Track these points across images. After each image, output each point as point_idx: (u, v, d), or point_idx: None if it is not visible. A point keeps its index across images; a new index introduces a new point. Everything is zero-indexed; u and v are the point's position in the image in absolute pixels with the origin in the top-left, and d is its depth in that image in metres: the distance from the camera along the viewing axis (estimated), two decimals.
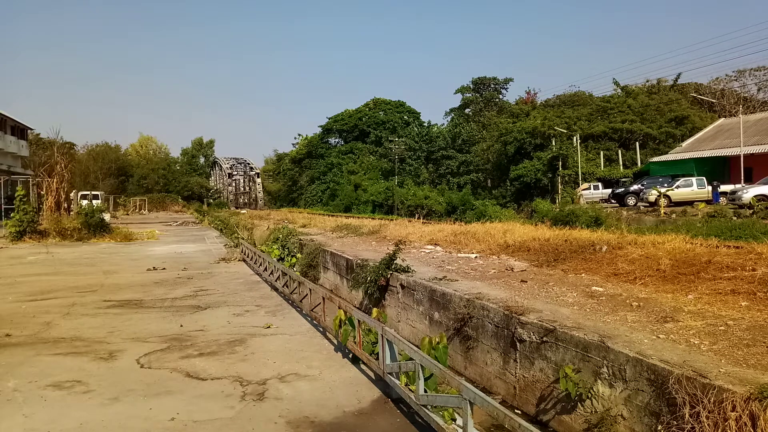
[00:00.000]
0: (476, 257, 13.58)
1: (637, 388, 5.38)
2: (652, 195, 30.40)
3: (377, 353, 6.70)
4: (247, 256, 17.96)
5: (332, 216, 44.14)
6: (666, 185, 31.16)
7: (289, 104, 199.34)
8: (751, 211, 22.13)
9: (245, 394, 6.26)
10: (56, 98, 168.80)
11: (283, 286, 12.26)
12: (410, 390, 5.78)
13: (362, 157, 75.47)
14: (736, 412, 4.25)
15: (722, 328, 6.25)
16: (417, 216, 39.97)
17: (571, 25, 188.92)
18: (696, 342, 5.79)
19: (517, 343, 7.27)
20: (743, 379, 4.63)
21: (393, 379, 6.18)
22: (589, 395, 5.91)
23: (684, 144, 44.50)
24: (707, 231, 14.16)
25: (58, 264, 17.81)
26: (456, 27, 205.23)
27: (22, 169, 50.50)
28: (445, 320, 9.29)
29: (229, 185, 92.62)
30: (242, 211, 61.69)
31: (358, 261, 14.09)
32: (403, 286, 11.16)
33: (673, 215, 25.10)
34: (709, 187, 31.04)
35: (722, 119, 46.82)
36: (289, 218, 38.19)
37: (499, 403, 4.88)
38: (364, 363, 7.24)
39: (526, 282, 9.84)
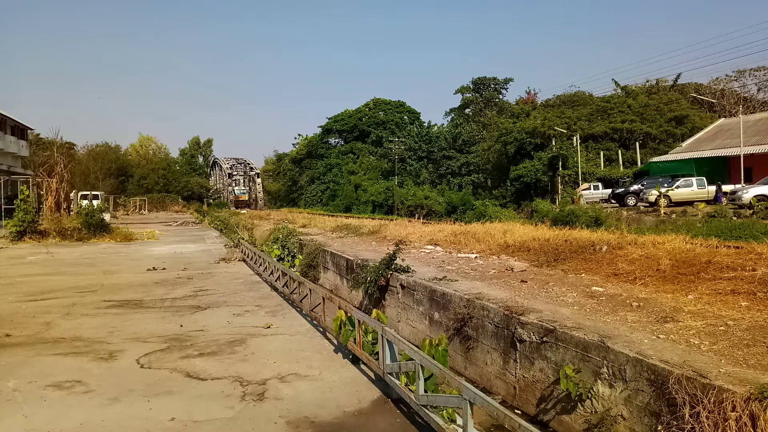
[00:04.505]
0: (476, 257, 13.58)
1: (637, 388, 5.38)
2: (652, 195, 30.36)
3: (377, 353, 6.70)
4: (247, 256, 17.96)
5: (332, 216, 44.13)
6: (666, 185, 31.12)
7: (289, 104, 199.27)
8: (751, 211, 22.12)
9: (245, 394, 6.27)
10: (56, 98, 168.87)
11: (283, 286, 12.26)
12: (410, 390, 5.79)
13: (362, 158, 75.44)
14: (736, 412, 4.25)
15: (722, 328, 6.25)
16: (417, 216, 39.95)
17: (571, 25, 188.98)
18: (696, 342, 5.79)
19: (517, 343, 7.27)
20: (743, 379, 4.63)
21: (393, 379, 6.18)
22: (589, 395, 5.91)
23: (684, 144, 44.49)
24: (707, 231, 14.16)
25: (58, 264, 17.82)
26: (456, 27, 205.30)
27: (22, 169, 50.51)
28: (445, 320, 9.29)
29: (229, 185, 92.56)
30: (242, 211, 61.67)
31: (358, 261, 14.09)
32: (403, 286, 11.16)
33: (673, 215, 25.09)
34: (710, 187, 31.00)
35: (722, 119, 46.80)
36: (289, 218, 38.18)
37: (499, 403, 4.88)
38: (364, 363, 7.25)
39: (526, 282, 9.84)
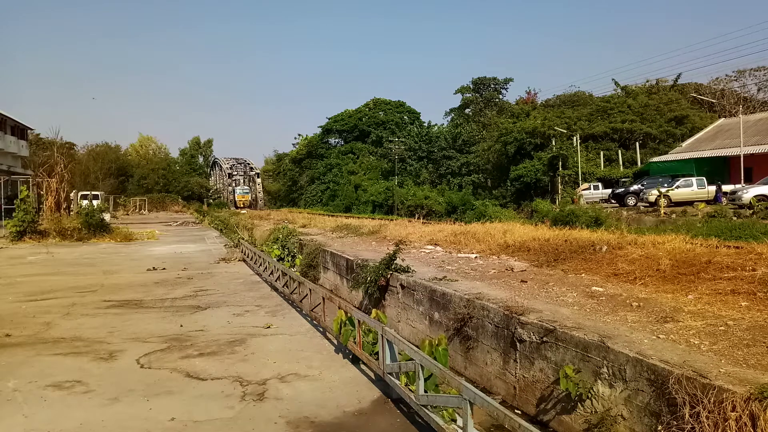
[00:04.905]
0: (476, 257, 13.58)
1: (637, 389, 5.38)
2: (652, 195, 30.35)
3: (377, 353, 6.71)
4: (247, 256, 17.96)
5: (332, 216, 44.14)
6: (666, 185, 31.12)
7: (289, 104, 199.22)
8: (751, 211, 22.13)
9: (245, 394, 6.27)
10: (56, 98, 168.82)
11: (283, 286, 12.26)
12: (410, 390, 5.79)
13: (362, 158, 75.46)
14: (736, 412, 4.25)
15: (722, 328, 6.25)
16: (417, 216, 39.95)
17: (571, 25, 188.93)
18: (696, 342, 5.80)
19: (517, 343, 7.27)
20: (743, 379, 4.64)
21: (393, 379, 6.19)
22: (589, 395, 5.91)
23: (684, 144, 44.49)
24: (707, 231, 14.16)
25: (58, 264, 17.81)
26: (456, 27, 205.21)
27: (22, 169, 50.51)
28: (445, 320, 9.29)
29: (229, 185, 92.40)
30: (242, 211, 61.62)
31: (358, 261, 14.10)
32: (403, 286, 11.16)
33: (673, 215, 25.09)
34: (710, 187, 31.01)
35: (722, 119, 46.80)
36: (289, 218, 38.18)
37: (499, 403, 4.88)
38: (364, 363, 7.25)
39: (526, 282, 9.84)
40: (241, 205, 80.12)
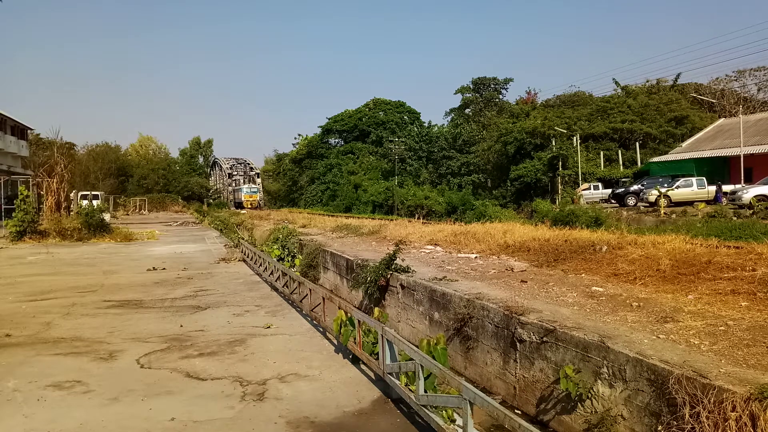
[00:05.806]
0: (476, 257, 13.58)
1: (637, 389, 5.38)
2: (652, 195, 30.36)
3: (377, 353, 6.70)
4: (247, 256, 17.96)
5: (332, 216, 44.13)
6: (666, 185, 31.12)
7: (289, 104, 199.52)
8: (751, 211, 22.13)
9: (245, 395, 6.27)
10: (56, 98, 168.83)
11: (283, 286, 12.26)
12: (410, 390, 5.79)
13: (362, 158, 75.43)
14: (736, 412, 4.25)
15: (722, 328, 6.25)
16: (417, 216, 39.96)
17: (571, 25, 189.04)
18: (696, 342, 5.80)
19: (517, 343, 7.27)
20: (743, 379, 4.64)
21: (393, 379, 6.18)
22: (589, 395, 5.91)
23: (684, 144, 44.50)
24: (707, 231, 14.16)
25: (58, 264, 17.81)
26: (456, 27, 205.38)
27: (22, 169, 50.50)
28: (445, 320, 9.29)
29: (229, 185, 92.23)
30: (242, 212, 61.53)
31: (358, 261, 14.10)
32: (403, 286, 11.16)
33: (673, 215, 25.09)
34: (710, 187, 31.01)
35: (722, 119, 46.80)
36: (289, 218, 38.19)
37: (499, 403, 4.88)
38: (364, 363, 7.25)
39: (526, 282, 9.84)
40: (248, 206, 74.41)
